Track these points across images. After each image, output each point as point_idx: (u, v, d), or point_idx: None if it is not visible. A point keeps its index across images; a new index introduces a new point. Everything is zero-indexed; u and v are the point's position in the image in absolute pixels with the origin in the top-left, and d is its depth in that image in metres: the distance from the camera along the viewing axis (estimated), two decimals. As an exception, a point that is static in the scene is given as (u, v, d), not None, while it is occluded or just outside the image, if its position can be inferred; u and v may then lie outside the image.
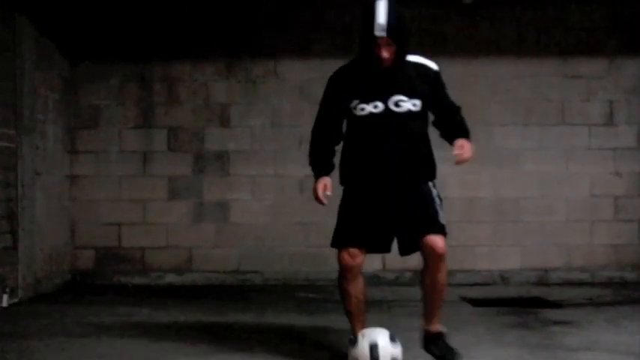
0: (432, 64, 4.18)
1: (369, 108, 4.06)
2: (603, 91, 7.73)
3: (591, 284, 7.51)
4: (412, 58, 4.13)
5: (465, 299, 6.66)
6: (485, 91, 7.69)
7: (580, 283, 7.56)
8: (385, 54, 3.95)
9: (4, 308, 6.10)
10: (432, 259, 4.02)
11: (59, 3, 7.22)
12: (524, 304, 6.40)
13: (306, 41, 7.72)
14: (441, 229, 4.05)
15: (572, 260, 7.71)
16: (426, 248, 4.02)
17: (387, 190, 4.08)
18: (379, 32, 3.89)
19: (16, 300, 6.33)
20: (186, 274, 7.71)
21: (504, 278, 7.68)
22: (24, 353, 4.49)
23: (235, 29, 7.75)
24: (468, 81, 7.57)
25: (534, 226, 7.69)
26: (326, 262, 7.58)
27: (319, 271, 7.54)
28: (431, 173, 4.23)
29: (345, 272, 4.25)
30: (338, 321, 5.53)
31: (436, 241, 4.00)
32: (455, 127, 4.26)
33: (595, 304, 6.40)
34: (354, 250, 4.20)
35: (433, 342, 4.17)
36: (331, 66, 7.42)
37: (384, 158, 4.06)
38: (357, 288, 4.32)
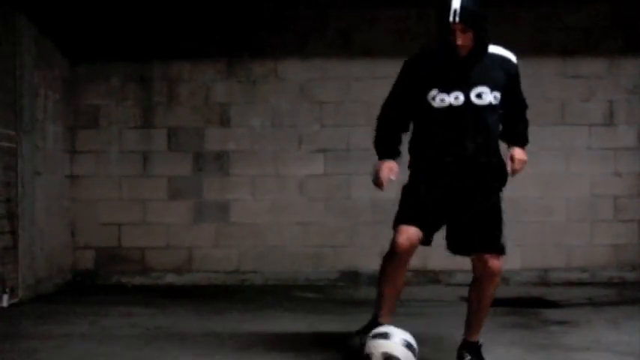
0: (513, 57, 4.11)
1: (449, 99, 3.90)
2: (603, 91, 7.73)
3: (591, 284, 7.51)
4: (493, 48, 4.06)
5: (465, 299, 6.65)
6: (485, 91, 7.68)
7: (580, 283, 7.56)
8: (460, 41, 3.84)
9: (4, 308, 6.10)
10: (487, 277, 3.96)
11: (59, 3, 7.22)
12: (524, 304, 6.40)
13: (306, 41, 7.72)
14: (501, 251, 3.96)
15: (572, 260, 7.71)
16: (481, 265, 3.95)
17: (457, 184, 3.94)
18: (453, 17, 3.80)
19: (16, 300, 6.33)
20: (186, 274, 7.71)
21: (504, 278, 7.65)
22: (24, 353, 4.49)
23: (235, 29, 7.75)
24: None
25: (534, 226, 7.69)
26: (326, 262, 7.61)
27: (319, 271, 7.55)
28: (504, 179, 4.08)
29: (392, 255, 4.02)
30: (338, 321, 5.54)
31: (495, 262, 3.92)
32: (517, 131, 4.20)
33: (595, 304, 6.40)
34: (409, 231, 3.92)
35: (467, 349, 4.11)
36: (331, 66, 7.46)
37: (461, 153, 3.91)
38: (399, 275, 4.14)
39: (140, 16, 7.69)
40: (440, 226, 4.07)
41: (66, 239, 7.56)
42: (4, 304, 6.13)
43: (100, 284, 7.61)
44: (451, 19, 3.80)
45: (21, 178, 6.47)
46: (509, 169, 4.04)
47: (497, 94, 3.96)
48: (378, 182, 4.07)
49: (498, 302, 6.40)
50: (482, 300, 4.05)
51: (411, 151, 4.14)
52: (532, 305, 6.31)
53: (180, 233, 7.72)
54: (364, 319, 5.00)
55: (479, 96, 3.91)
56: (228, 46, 7.75)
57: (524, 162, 4.09)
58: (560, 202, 7.72)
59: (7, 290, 6.19)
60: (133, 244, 7.72)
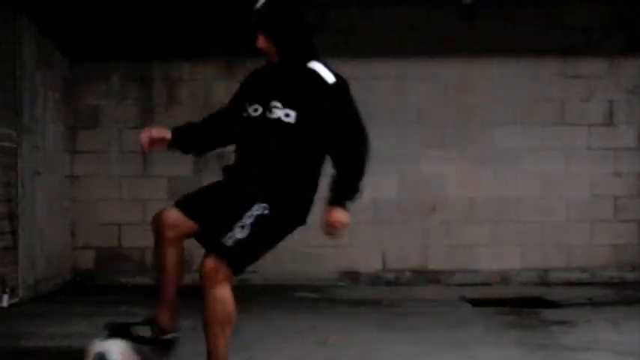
0: (329, 77, 3.50)
1: (249, 111, 3.58)
2: (603, 91, 7.73)
3: (591, 284, 7.51)
4: (314, 65, 3.52)
5: (465, 299, 6.66)
6: (485, 91, 7.69)
7: (580, 283, 7.56)
8: (260, 45, 3.49)
9: (4, 308, 6.10)
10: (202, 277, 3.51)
11: (59, 3, 7.22)
12: (524, 304, 6.40)
13: (306, 41, 7.71)
14: (223, 252, 3.48)
15: (572, 260, 7.71)
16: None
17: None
18: (253, 18, 3.47)
19: (16, 300, 6.33)
20: (186, 274, 7.68)
21: (504, 278, 7.68)
22: (24, 353, 4.49)
23: (235, 29, 7.73)
24: (468, 81, 7.58)
25: (534, 226, 7.69)
26: (326, 262, 7.61)
27: (319, 271, 7.54)
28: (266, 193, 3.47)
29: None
30: (338, 321, 5.54)
31: (209, 261, 3.51)
32: (340, 181, 3.51)
33: (595, 304, 6.40)
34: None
35: None
36: (331, 66, 7.39)
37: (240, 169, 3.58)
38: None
39: (140, 16, 7.69)
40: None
41: (66, 239, 7.56)
42: (4, 304, 6.13)
43: (100, 284, 7.61)
44: (252, 18, 3.49)
45: (21, 178, 6.47)
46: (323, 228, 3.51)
47: (291, 112, 3.44)
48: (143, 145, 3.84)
49: (498, 302, 6.44)
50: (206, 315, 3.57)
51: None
52: (532, 305, 6.31)
53: (180, 233, 7.71)
54: (364, 319, 5.01)
55: (271, 110, 3.48)
56: (228, 46, 7.74)
57: (341, 224, 3.49)
58: (560, 202, 7.72)
59: (7, 290, 6.18)
60: (133, 244, 7.72)
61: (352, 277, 7.60)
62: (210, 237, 3.50)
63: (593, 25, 7.72)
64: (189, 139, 3.88)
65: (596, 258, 7.70)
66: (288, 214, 3.55)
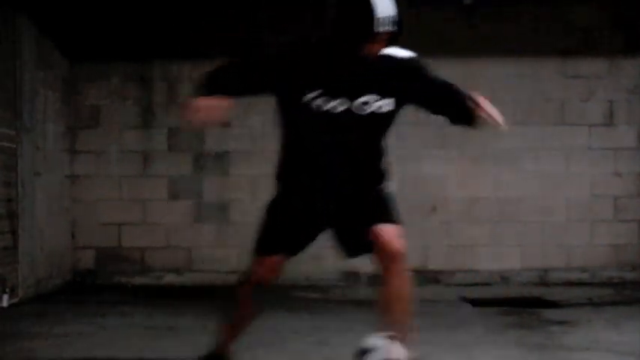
0: (405, 53, 3.52)
1: (327, 106, 3.40)
2: (603, 91, 7.73)
3: (591, 284, 7.52)
4: (388, 50, 3.42)
5: (465, 299, 6.66)
6: (485, 91, 7.64)
7: (580, 283, 7.56)
8: (374, 51, 3.31)
9: (4, 308, 6.10)
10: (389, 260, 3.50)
11: (59, 3, 7.22)
12: (524, 304, 6.40)
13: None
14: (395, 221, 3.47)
15: (572, 260, 7.71)
16: (379, 243, 3.47)
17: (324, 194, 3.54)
18: (385, 27, 3.23)
19: (16, 300, 6.33)
20: (186, 274, 7.71)
21: (504, 278, 7.68)
22: (24, 353, 4.49)
23: (235, 29, 7.74)
24: (468, 81, 7.56)
25: (534, 226, 7.70)
26: (326, 262, 7.60)
27: (319, 271, 7.54)
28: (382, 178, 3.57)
29: (249, 283, 3.79)
30: (338, 321, 5.54)
31: (392, 235, 3.44)
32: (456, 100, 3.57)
33: (595, 304, 6.40)
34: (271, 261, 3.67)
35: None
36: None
37: (329, 173, 3.51)
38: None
39: (140, 16, 7.69)
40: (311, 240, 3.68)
41: (66, 239, 7.56)
42: (4, 304, 6.13)
43: (100, 284, 7.61)
44: (382, 27, 3.24)
45: (21, 178, 6.47)
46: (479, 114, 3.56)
47: (387, 101, 3.39)
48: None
49: (498, 302, 6.44)
50: (391, 289, 3.52)
51: (281, 160, 3.84)
52: (532, 305, 6.31)
53: (180, 233, 7.72)
54: (364, 319, 5.00)
55: (364, 104, 3.37)
56: (229, 46, 7.74)
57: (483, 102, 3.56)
58: (560, 202, 7.72)
59: (7, 290, 6.19)
60: (133, 244, 7.73)
61: (352, 277, 7.60)
62: (382, 215, 3.48)
63: (593, 25, 7.72)
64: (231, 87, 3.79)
65: (596, 258, 7.71)
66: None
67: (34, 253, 6.73)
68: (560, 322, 5.43)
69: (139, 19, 7.70)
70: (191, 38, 7.72)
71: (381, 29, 3.23)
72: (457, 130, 8.17)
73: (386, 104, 3.38)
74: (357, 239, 3.58)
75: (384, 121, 3.42)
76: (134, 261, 7.72)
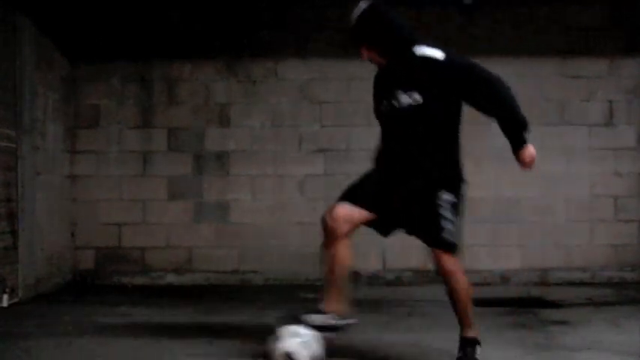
0: (438, 53, 3.98)
1: (381, 109, 4.12)
2: (603, 91, 7.73)
3: (591, 284, 7.51)
4: (419, 49, 4.00)
5: (465, 299, 6.65)
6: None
7: (580, 283, 7.56)
8: (364, 57, 4.07)
9: (5, 308, 6.10)
10: (441, 273, 4.09)
11: (59, 3, 7.22)
12: (524, 304, 6.40)
13: (306, 41, 7.72)
14: (447, 247, 4.00)
15: (572, 260, 7.71)
16: (434, 259, 4.04)
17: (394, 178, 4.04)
18: (350, 37, 4.03)
19: (16, 300, 6.33)
20: (186, 274, 7.71)
21: (504, 278, 7.68)
22: (24, 353, 4.49)
23: (235, 29, 7.75)
24: (468, 81, 7.57)
25: (534, 226, 7.70)
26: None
27: (319, 271, 7.53)
28: (444, 182, 4.01)
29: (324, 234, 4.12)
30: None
31: (442, 257, 4.00)
32: (502, 124, 4.07)
33: (595, 304, 6.40)
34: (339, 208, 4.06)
35: (459, 344, 4.08)
36: (331, 66, 7.45)
37: (393, 160, 4.06)
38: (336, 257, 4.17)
39: (140, 16, 7.69)
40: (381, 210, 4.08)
41: (66, 239, 7.57)
42: (4, 304, 6.14)
43: (100, 284, 7.61)
44: (350, 38, 4.02)
45: (21, 178, 6.47)
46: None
47: (418, 95, 3.91)
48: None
49: (498, 302, 6.44)
50: (450, 295, 4.09)
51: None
52: (532, 305, 6.31)
53: (180, 233, 7.72)
54: (364, 318, 5.00)
55: (398, 100, 3.97)
56: (228, 46, 7.75)
57: (532, 158, 3.98)
58: (560, 202, 7.72)
59: (7, 290, 6.19)
60: (133, 244, 7.73)
61: (352, 277, 7.58)
62: (426, 236, 3.98)
63: (593, 25, 7.72)
64: None
65: (596, 258, 7.71)
66: (461, 188, 4.07)
67: (34, 253, 6.73)
68: (560, 322, 5.43)
69: (139, 19, 7.70)
70: (191, 38, 7.73)
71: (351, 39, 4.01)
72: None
73: (409, 96, 3.90)
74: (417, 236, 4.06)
75: (416, 108, 3.89)
76: (134, 261, 7.72)
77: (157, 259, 7.72)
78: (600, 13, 7.71)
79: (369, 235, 7.50)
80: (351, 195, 4.06)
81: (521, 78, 7.71)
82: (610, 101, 7.73)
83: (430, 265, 6.86)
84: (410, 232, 4.10)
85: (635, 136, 7.75)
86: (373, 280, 7.58)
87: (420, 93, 3.90)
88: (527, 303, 6.45)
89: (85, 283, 7.63)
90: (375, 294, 6.95)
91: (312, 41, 7.72)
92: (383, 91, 4.08)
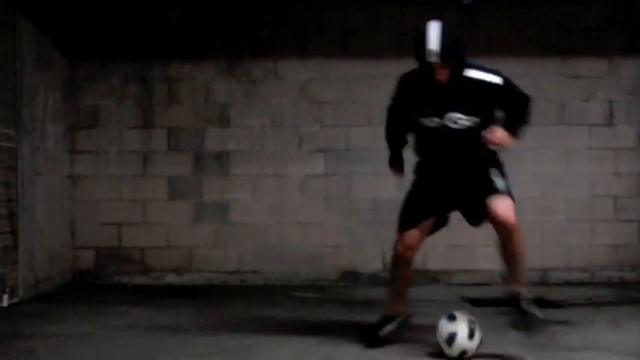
0: (494, 78, 4.34)
1: (427, 122, 4.35)
2: (603, 91, 7.73)
3: (591, 284, 7.51)
4: (471, 72, 4.33)
5: (465, 299, 6.66)
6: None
7: (580, 283, 7.56)
8: (440, 76, 4.25)
9: (5, 308, 6.10)
10: (497, 226, 4.46)
11: (59, 3, 7.22)
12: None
13: (306, 41, 7.72)
14: (502, 192, 4.36)
15: (572, 260, 7.71)
16: (490, 214, 4.35)
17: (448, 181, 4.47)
18: (431, 58, 4.17)
19: (16, 300, 6.33)
20: (186, 274, 7.71)
21: (504, 278, 7.66)
22: (24, 353, 4.49)
23: (235, 29, 7.75)
24: (468, 81, 7.57)
25: (534, 226, 7.69)
26: (326, 262, 7.61)
27: (319, 271, 7.54)
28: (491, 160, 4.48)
29: (395, 258, 4.61)
30: (338, 320, 5.53)
31: (500, 206, 4.33)
32: (509, 123, 4.45)
33: (595, 304, 6.40)
34: (408, 236, 4.49)
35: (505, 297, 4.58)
36: (331, 66, 7.45)
37: (445, 169, 4.45)
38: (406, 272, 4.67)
39: (140, 16, 7.69)
40: (444, 212, 4.59)
41: (66, 239, 7.57)
42: (4, 304, 6.14)
43: (100, 284, 7.61)
44: (430, 59, 4.18)
45: (21, 178, 6.47)
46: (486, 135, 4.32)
47: (475, 119, 4.31)
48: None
49: (498, 302, 6.42)
50: (504, 247, 4.62)
51: (415, 156, 4.59)
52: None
53: (180, 233, 7.72)
54: (364, 318, 5.00)
55: (454, 121, 4.31)
56: (228, 46, 7.75)
57: (499, 138, 4.32)
58: (560, 202, 7.72)
59: (7, 290, 6.19)
60: (133, 244, 7.73)
61: (352, 277, 7.60)
62: (480, 193, 4.33)
63: (593, 25, 7.72)
64: (402, 156, 4.77)
65: (596, 258, 7.71)
66: (503, 166, 4.54)
67: (34, 253, 6.73)
68: (560, 322, 5.43)
69: (139, 19, 7.70)
70: (191, 38, 7.73)
71: (433, 59, 4.17)
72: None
73: (468, 119, 4.29)
74: (477, 211, 4.43)
75: (473, 129, 4.31)
76: (134, 261, 7.72)
77: (156, 259, 7.72)
78: (600, 13, 7.72)
79: (370, 235, 7.54)
80: (413, 219, 4.49)
81: (521, 78, 7.67)
82: (610, 101, 7.73)
83: (429, 265, 6.84)
84: (466, 210, 4.49)
85: (635, 136, 7.75)
86: (373, 280, 7.58)
87: (480, 116, 4.31)
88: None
89: (85, 283, 7.63)
90: (375, 294, 6.95)
91: (312, 41, 7.72)
92: (432, 108, 4.32)
